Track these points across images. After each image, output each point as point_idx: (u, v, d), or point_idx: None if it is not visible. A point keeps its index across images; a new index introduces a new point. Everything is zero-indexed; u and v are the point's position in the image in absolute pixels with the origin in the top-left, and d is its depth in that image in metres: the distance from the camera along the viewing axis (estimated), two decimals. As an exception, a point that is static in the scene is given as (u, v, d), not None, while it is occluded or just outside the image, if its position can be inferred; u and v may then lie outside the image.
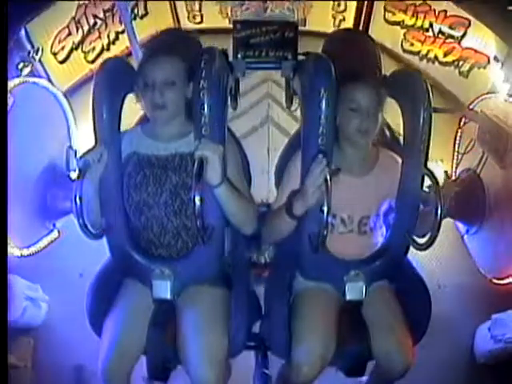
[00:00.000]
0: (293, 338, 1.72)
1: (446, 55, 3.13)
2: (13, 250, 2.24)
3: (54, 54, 2.86)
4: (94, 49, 3.12)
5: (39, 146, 2.38)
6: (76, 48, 2.99)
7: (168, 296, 1.74)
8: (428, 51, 3.22)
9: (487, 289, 2.48)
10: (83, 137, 2.52)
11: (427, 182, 1.74)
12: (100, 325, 1.74)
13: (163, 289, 1.73)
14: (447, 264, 2.63)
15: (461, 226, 2.64)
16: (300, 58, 1.88)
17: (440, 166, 2.80)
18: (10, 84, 2.23)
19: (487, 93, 2.67)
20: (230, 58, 1.89)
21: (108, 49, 3.19)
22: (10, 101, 2.13)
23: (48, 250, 2.47)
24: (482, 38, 2.86)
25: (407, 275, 1.90)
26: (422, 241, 1.81)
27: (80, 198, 1.65)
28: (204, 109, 1.60)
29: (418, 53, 3.29)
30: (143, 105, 1.71)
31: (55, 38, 2.85)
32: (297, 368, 1.67)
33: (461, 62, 3.05)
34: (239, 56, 1.87)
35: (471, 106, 2.65)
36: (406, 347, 1.72)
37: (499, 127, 2.35)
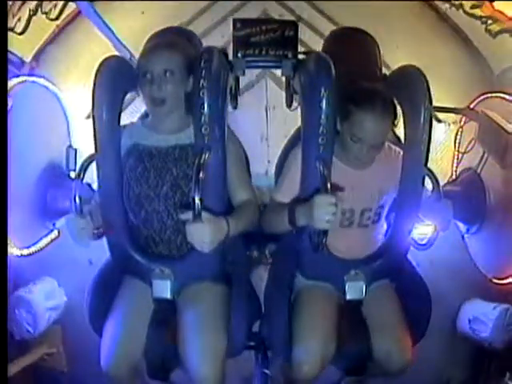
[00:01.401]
0: (293, 337, 1.72)
1: (473, 8, 2.68)
2: (13, 250, 2.23)
3: (11, 30, 2.73)
4: (55, 6, 2.93)
5: (39, 145, 2.37)
6: (34, 13, 2.83)
7: (168, 295, 1.74)
8: None
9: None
10: (81, 132, 2.53)
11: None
12: (100, 324, 1.75)
13: (163, 288, 1.74)
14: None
15: (461, 225, 2.64)
16: (300, 56, 1.87)
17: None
18: (10, 83, 2.22)
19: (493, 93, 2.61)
20: (230, 57, 1.88)
21: None
22: (9, 100, 2.13)
23: (56, 240, 2.50)
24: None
25: (407, 275, 1.90)
26: (422, 241, 1.81)
27: (80, 198, 1.65)
28: (204, 108, 1.60)
29: (440, -6, 2.81)
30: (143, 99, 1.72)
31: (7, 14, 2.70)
32: (297, 367, 1.67)
33: (489, 21, 2.64)
34: (239, 55, 1.86)
35: (472, 106, 2.64)
36: (405, 346, 1.73)
37: (499, 127, 2.35)
